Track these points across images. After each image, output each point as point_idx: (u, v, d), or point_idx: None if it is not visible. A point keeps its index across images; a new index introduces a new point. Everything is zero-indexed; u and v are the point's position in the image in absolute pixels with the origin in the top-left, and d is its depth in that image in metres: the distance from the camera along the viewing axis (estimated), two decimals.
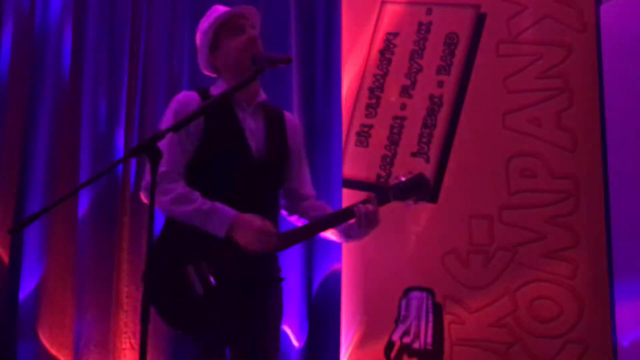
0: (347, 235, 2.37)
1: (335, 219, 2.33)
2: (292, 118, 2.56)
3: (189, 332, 2.26)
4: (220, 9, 2.43)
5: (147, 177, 2.23)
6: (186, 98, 2.35)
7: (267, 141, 2.37)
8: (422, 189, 2.33)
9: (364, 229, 2.29)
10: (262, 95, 2.44)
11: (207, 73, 2.49)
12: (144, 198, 2.31)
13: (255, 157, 2.33)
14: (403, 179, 2.33)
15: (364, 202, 2.29)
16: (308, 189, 2.54)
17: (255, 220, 2.22)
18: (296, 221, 2.51)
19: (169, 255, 2.25)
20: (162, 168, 2.19)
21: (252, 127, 2.36)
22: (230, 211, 2.22)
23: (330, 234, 2.41)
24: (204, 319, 2.21)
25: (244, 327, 2.31)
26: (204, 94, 2.38)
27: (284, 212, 2.53)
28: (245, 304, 2.27)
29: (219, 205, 2.23)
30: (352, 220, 2.30)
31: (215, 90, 2.39)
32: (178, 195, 2.23)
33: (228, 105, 2.33)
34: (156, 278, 2.20)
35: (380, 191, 2.33)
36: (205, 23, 2.42)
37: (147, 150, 1.83)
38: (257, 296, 2.31)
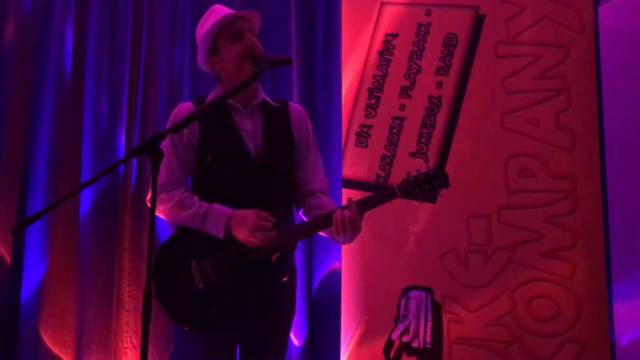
0: (333, 238, 2.33)
1: (318, 224, 2.32)
2: (298, 109, 2.51)
3: (191, 326, 2.30)
4: (220, 11, 2.43)
5: (149, 192, 2.27)
6: (180, 109, 2.40)
7: (266, 141, 2.37)
8: (438, 181, 2.21)
9: (342, 235, 2.23)
10: (261, 96, 2.43)
11: (207, 71, 2.50)
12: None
13: (254, 158, 2.34)
14: (411, 176, 2.23)
15: (343, 208, 2.24)
16: (315, 183, 2.46)
17: (249, 216, 2.23)
18: (302, 217, 2.50)
19: (175, 251, 2.32)
20: (161, 180, 2.27)
21: (249, 128, 2.37)
22: (225, 211, 2.25)
23: (325, 234, 2.40)
24: (204, 314, 2.24)
25: (249, 325, 2.34)
26: (200, 102, 2.39)
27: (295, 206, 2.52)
28: (249, 302, 2.29)
29: (215, 206, 2.27)
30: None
31: (214, 95, 2.41)
32: (176, 202, 2.30)
33: (223, 110, 2.34)
34: (162, 273, 2.27)
35: (381, 192, 2.28)
36: (205, 25, 2.42)
37: (149, 150, 1.85)
38: (261, 295, 2.32)
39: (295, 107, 2.53)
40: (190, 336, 2.34)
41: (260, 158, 2.35)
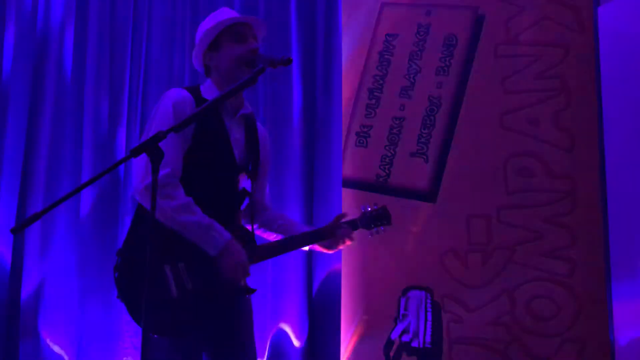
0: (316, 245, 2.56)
1: (316, 237, 2.49)
2: (263, 130, 2.60)
3: (159, 332, 2.24)
4: (228, 12, 2.46)
5: (147, 179, 2.21)
6: (180, 96, 2.34)
7: (247, 152, 2.42)
8: (385, 220, 2.65)
9: (336, 248, 2.54)
10: (247, 108, 2.47)
11: (197, 68, 2.51)
12: (140, 198, 2.29)
13: (238, 166, 2.38)
14: (369, 209, 2.64)
15: (349, 224, 2.54)
16: (268, 200, 2.65)
17: (242, 252, 2.27)
18: (257, 230, 2.59)
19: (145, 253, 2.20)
20: (165, 169, 2.21)
21: (237, 136, 2.41)
22: (226, 233, 2.26)
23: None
24: (176, 321, 2.22)
25: (221, 333, 2.33)
26: (194, 92, 2.38)
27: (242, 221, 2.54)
28: (221, 310, 2.29)
29: (216, 223, 2.26)
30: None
31: (206, 91, 2.40)
32: (183, 204, 2.24)
33: (217, 112, 2.35)
34: (130, 275, 2.24)
35: (350, 221, 2.59)
36: (210, 22, 2.43)
37: (149, 150, 1.85)
38: (232, 304, 2.34)
39: (261, 127, 2.60)
40: (158, 343, 2.27)
41: (242, 167, 2.40)
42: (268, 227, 2.60)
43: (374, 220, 2.62)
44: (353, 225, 2.58)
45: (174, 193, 2.23)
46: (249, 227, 2.48)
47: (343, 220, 2.58)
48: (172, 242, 2.24)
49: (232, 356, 2.35)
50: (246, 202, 2.48)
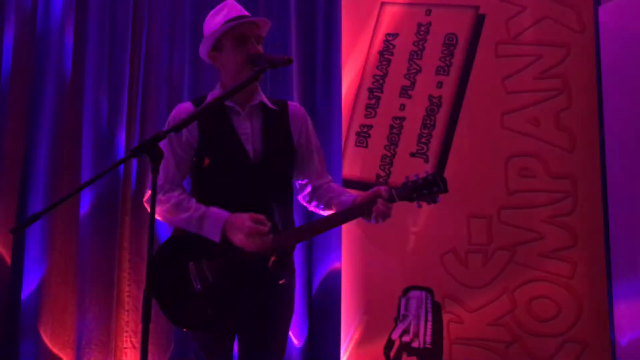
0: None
1: (347, 217, 2.30)
2: (297, 108, 2.51)
3: (187, 327, 2.30)
4: (232, 7, 2.41)
5: (147, 192, 2.29)
6: (179, 110, 2.40)
7: (265, 142, 2.37)
8: (435, 187, 2.19)
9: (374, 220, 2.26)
10: (259, 97, 2.42)
11: (207, 62, 2.49)
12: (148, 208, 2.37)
13: (253, 160, 2.34)
14: (415, 178, 2.23)
15: (384, 198, 2.22)
16: (320, 178, 2.51)
17: (246, 221, 2.23)
18: (316, 208, 2.51)
19: (173, 253, 2.32)
20: (158, 181, 2.19)
21: (248, 130, 2.36)
22: (222, 214, 2.25)
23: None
24: (201, 315, 2.25)
25: (245, 326, 2.34)
26: (197, 103, 2.39)
27: (304, 204, 2.55)
28: (246, 303, 2.29)
29: (212, 209, 2.27)
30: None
31: (213, 95, 2.40)
32: (172, 204, 2.30)
33: (221, 112, 2.34)
34: (160, 274, 2.27)
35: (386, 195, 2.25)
36: (215, 19, 2.39)
37: (149, 150, 1.85)
38: (258, 296, 2.33)
39: (294, 106, 2.52)
40: (188, 336, 2.37)
41: (259, 160, 2.35)
42: (318, 206, 2.51)
43: (417, 189, 2.19)
44: (390, 198, 2.24)
45: (165, 197, 2.30)
46: (312, 208, 2.51)
47: (378, 193, 2.27)
48: (194, 239, 2.29)
49: (261, 348, 2.36)
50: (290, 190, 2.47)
